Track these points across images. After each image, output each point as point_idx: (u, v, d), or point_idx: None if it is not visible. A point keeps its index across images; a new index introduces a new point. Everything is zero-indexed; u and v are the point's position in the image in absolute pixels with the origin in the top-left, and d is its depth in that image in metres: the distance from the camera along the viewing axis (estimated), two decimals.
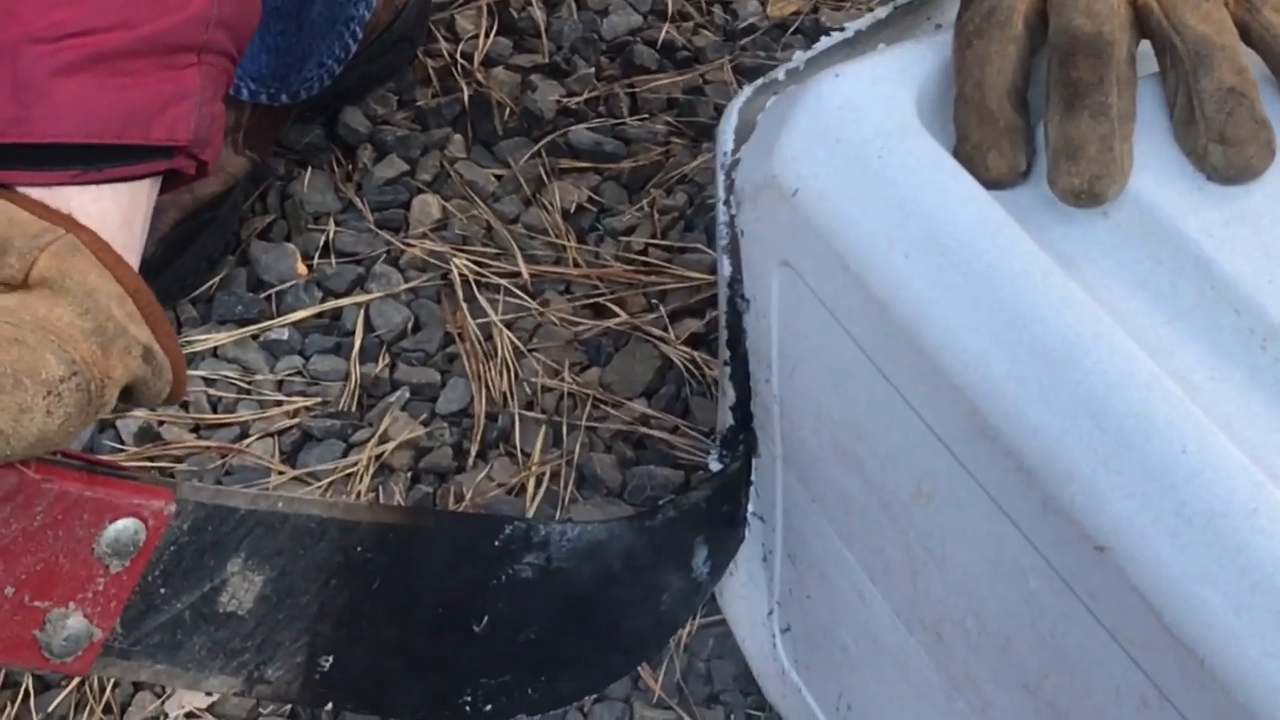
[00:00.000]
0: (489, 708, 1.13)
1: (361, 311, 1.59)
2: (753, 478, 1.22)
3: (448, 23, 1.77)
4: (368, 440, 1.52)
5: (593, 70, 1.75)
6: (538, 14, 1.78)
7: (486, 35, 1.76)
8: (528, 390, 1.54)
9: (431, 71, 1.73)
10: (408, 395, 1.55)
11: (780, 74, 1.10)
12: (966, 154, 0.96)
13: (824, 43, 1.10)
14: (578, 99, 1.72)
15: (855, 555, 1.12)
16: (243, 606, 1.03)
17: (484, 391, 1.54)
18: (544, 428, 1.52)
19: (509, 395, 1.54)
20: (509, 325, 1.57)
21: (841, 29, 1.10)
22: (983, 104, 0.96)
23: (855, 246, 0.96)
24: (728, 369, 1.19)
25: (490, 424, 1.53)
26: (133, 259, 1.00)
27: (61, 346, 0.92)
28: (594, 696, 1.39)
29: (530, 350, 1.56)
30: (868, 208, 0.96)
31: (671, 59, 1.76)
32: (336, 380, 1.56)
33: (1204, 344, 0.91)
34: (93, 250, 0.96)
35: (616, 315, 1.58)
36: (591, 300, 1.60)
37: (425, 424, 1.53)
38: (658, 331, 1.57)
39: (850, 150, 0.97)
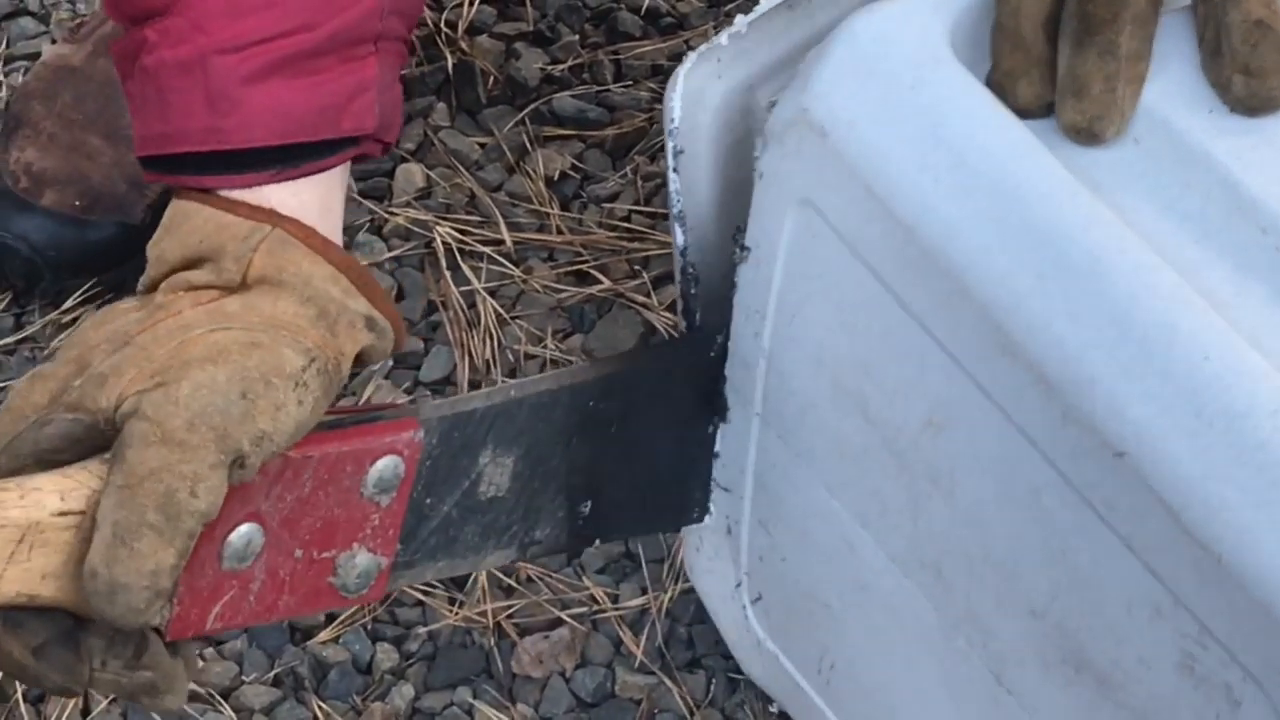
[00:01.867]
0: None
1: None
2: (717, 448, 1.25)
3: None
4: None
5: (577, 38, 1.76)
6: None
7: (471, 3, 1.77)
8: (511, 358, 1.55)
9: (416, 40, 1.74)
10: (391, 363, 1.56)
11: (723, 39, 1.12)
12: (998, 81, 0.99)
13: (764, 5, 1.12)
14: (562, 66, 1.73)
15: (845, 504, 1.14)
16: (501, 488, 1.11)
17: (467, 359, 1.55)
18: None
19: (492, 363, 1.55)
20: (492, 293, 1.59)
21: None
22: (1017, 32, 0.98)
23: (884, 173, 0.99)
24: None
25: (474, 392, 1.54)
26: (335, 240, 1.03)
27: (295, 338, 0.95)
28: (576, 663, 1.41)
29: (513, 318, 1.58)
30: (899, 135, 0.98)
31: (656, 25, 1.77)
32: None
33: (1230, 262, 0.94)
34: (301, 238, 0.99)
35: (600, 282, 1.59)
36: (575, 267, 1.61)
37: (408, 392, 1.54)
38: (641, 298, 1.58)
39: (883, 81, 1.00)
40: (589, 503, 1.17)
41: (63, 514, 0.92)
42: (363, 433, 1.02)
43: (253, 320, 0.96)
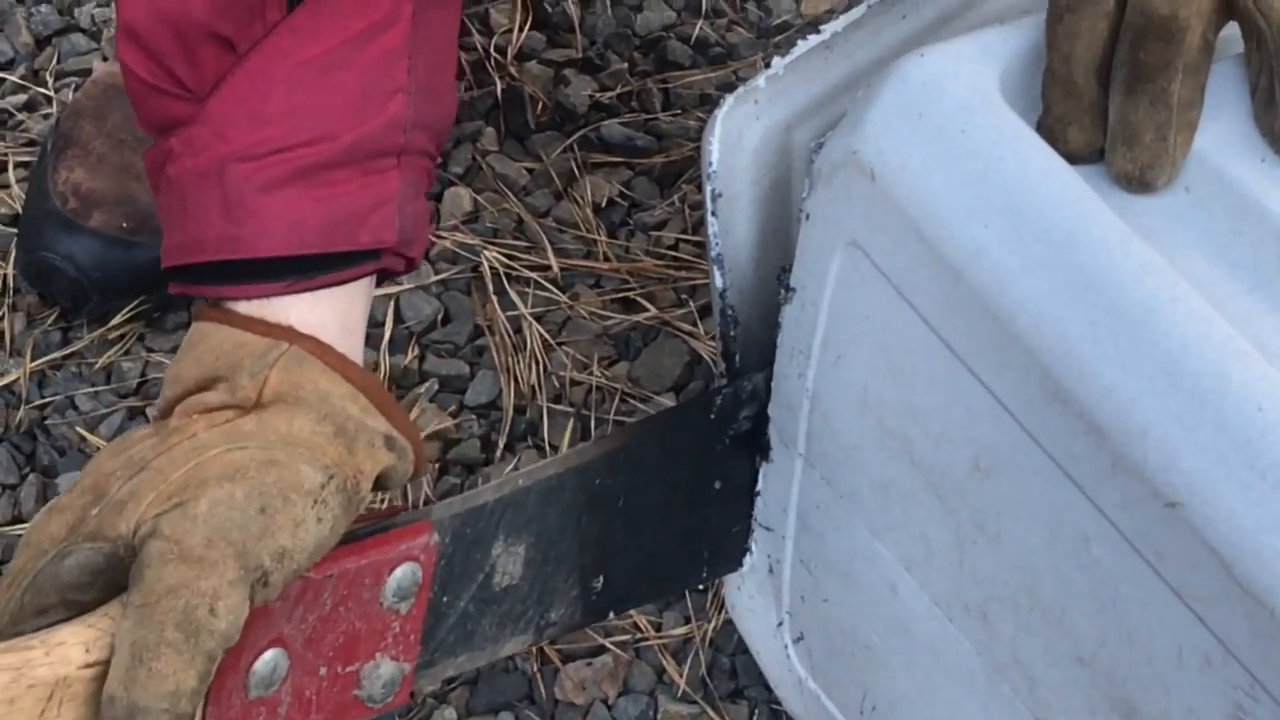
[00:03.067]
0: (744, 547, 1.27)
1: (392, 302, 1.60)
2: (759, 487, 1.24)
3: (482, 16, 1.78)
4: None
5: (626, 65, 1.76)
6: (572, 9, 1.79)
7: (520, 29, 1.77)
8: (556, 384, 1.55)
9: (465, 64, 1.74)
10: (436, 387, 1.56)
11: (760, 81, 1.12)
12: (1049, 127, 0.98)
13: (801, 47, 1.12)
14: (610, 94, 1.73)
15: (889, 547, 1.13)
16: (514, 577, 1.11)
17: (513, 384, 1.55)
18: (572, 421, 1.53)
19: (537, 388, 1.55)
20: (538, 318, 1.59)
21: (819, 32, 1.12)
22: (1069, 78, 0.97)
23: (934, 217, 0.98)
24: (723, 381, 1.21)
25: (518, 417, 1.54)
26: (356, 358, 1.03)
27: (313, 455, 0.95)
28: (618, 691, 1.40)
29: (559, 344, 1.58)
30: (949, 179, 0.98)
31: (705, 55, 1.78)
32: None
33: None
34: (318, 356, 0.99)
35: (646, 310, 1.59)
36: (621, 294, 1.61)
37: (454, 415, 1.54)
38: (687, 327, 1.58)
39: (933, 125, 0.99)
40: (601, 578, 1.17)
41: (89, 665, 0.91)
42: (378, 544, 1.01)
43: (269, 439, 0.95)
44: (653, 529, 1.20)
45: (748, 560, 1.27)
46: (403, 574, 1.02)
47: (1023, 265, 0.94)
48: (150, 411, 1.01)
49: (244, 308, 1.01)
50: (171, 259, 1.03)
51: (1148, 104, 0.95)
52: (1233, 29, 0.98)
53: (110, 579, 0.93)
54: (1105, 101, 0.97)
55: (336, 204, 1.01)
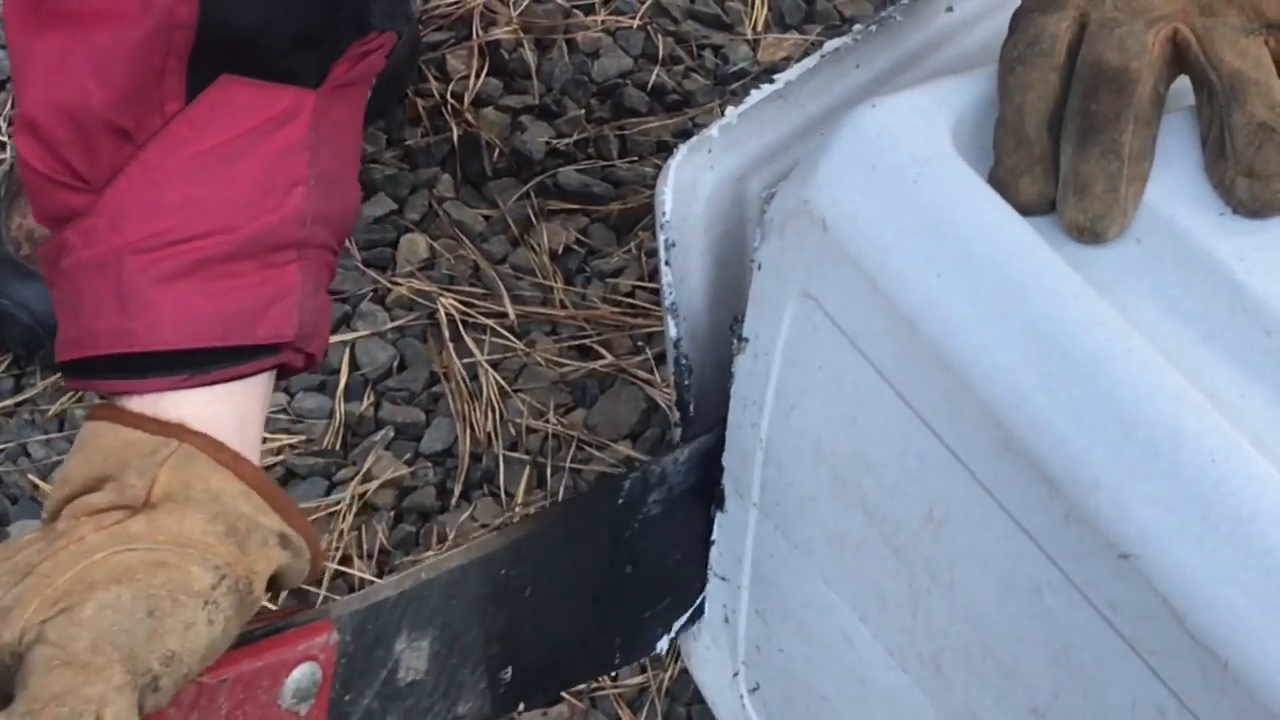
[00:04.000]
0: (659, 630, 1.25)
1: (347, 349, 1.60)
2: (714, 537, 1.23)
3: (439, 62, 1.79)
4: (351, 479, 1.53)
5: (583, 112, 1.76)
6: (529, 55, 1.80)
7: (477, 75, 1.77)
8: (512, 431, 1.55)
9: (421, 110, 1.75)
10: (392, 434, 1.56)
11: (714, 130, 1.11)
12: (1000, 178, 0.98)
13: (754, 96, 1.12)
14: (567, 140, 1.74)
15: (843, 597, 1.13)
16: (419, 671, 1.09)
17: (469, 432, 1.55)
18: (528, 469, 1.53)
19: (494, 436, 1.55)
20: (495, 365, 1.59)
21: (772, 81, 1.12)
22: (1020, 129, 0.97)
23: (887, 268, 0.98)
24: (679, 429, 1.21)
25: (474, 464, 1.54)
26: (251, 457, 1.01)
27: (203, 556, 0.94)
28: None
29: (516, 391, 1.57)
30: (902, 230, 0.97)
31: (661, 102, 1.78)
32: (321, 418, 1.57)
33: (1235, 364, 0.93)
34: (210, 454, 0.97)
35: (603, 357, 1.59)
36: (578, 342, 1.61)
37: (409, 463, 1.54)
38: (644, 374, 1.58)
39: (886, 175, 0.99)
40: (510, 669, 1.15)
41: None
42: (275, 644, 1.00)
43: (158, 539, 0.93)
44: (562, 618, 1.18)
45: (663, 642, 1.26)
46: (301, 674, 1.00)
47: (975, 316, 0.94)
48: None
49: (136, 404, 0.99)
50: (66, 353, 1.01)
51: (1099, 155, 0.95)
52: (1184, 81, 0.98)
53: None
54: (1057, 153, 0.97)
55: (233, 297, 0.99)
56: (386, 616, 1.06)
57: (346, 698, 1.05)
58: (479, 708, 1.14)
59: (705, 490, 1.21)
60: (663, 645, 1.26)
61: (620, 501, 1.17)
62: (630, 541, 1.19)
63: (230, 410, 1.00)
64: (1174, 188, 0.97)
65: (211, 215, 0.98)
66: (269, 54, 0.99)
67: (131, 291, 0.97)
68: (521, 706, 1.20)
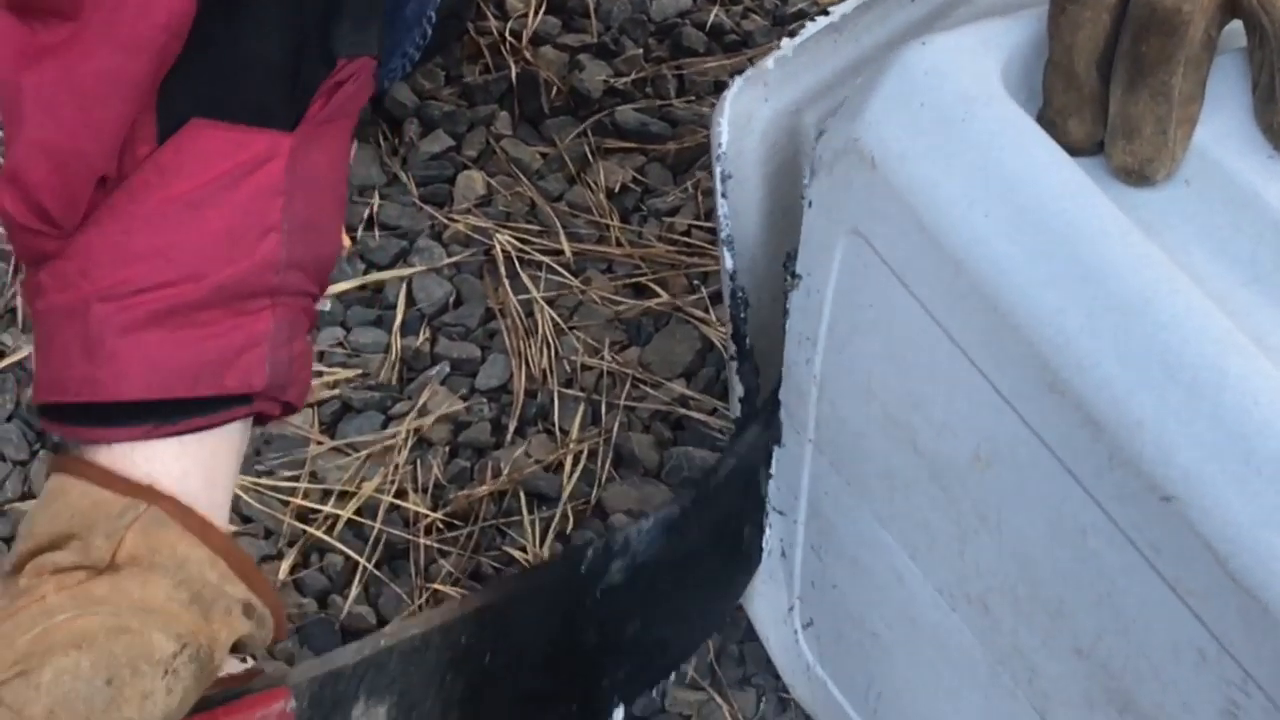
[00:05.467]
0: (616, 698, 1.24)
1: (404, 285, 1.61)
2: (772, 471, 1.24)
3: (498, 0, 1.78)
4: (407, 413, 1.53)
5: (641, 51, 1.76)
6: None
7: (535, 13, 1.77)
8: (567, 368, 1.56)
9: (481, 48, 1.75)
10: (448, 369, 1.57)
11: (769, 63, 1.11)
12: (1050, 118, 0.98)
13: (810, 29, 1.12)
14: (625, 79, 1.74)
15: (894, 535, 1.13)
16: None
17: (524, 368, 1.55)
18: (583, 405, 1.53)
19: (548, 372, 1.55)
20: (550, 303, 1.59)
21: (825, 13, 1.12)
22: (1070, 69, 0.97)
23: (934, 207, 0.98)
24: (734, 364, 1.21)
25: (529, 400, 1.54)
26: (220, 516, 1.00)
27: (165, 623, 0.93)
28: None
29: (571, 328, 1.58)
30: (949, 169, 0.97)
31: (720, 42, 1.78)
32: (377, 353, 1.57)
33: None
34: (178, 518, 0.97)
35: (658, 295, 1.60)
36: (633, 280, 1.61)
37: (464, 399, 1.54)
38: (699, 313, 1.58)
39: (934, 114, 0.99)
40: None
41: None
42: (231, 712, 0.99)
43: (121, 604, 0.93)
44: (519, 686, 1.17)
45: (619, 712, 1.26)
46: None
47: (1022, 256, 0.94)
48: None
49: (105, 457, 0.98)
50: (38, 395, 1.01)
51: (1148, 97, 0.95)
52: (1236, 25, 0.98)
53: None
54: (1106, 94, 0.97)
55: (202, 346, 0.98)
56: (344, 683, 1.05)
57: None
58: None
59: (668, 559, 1.21)
60: (618, 716, 1.26)
61: (582, 571, 1.17)
62: (591, 611, 1.19)
63: (199, 465, 0.99)
64: (1224, 130, 0.97)
65: (180, 263, 0.96)
66: (242, 95, 0.97)
67: (98, 340, 0.96)
68: None
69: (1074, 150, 0.97)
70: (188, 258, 0.97)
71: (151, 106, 0.96)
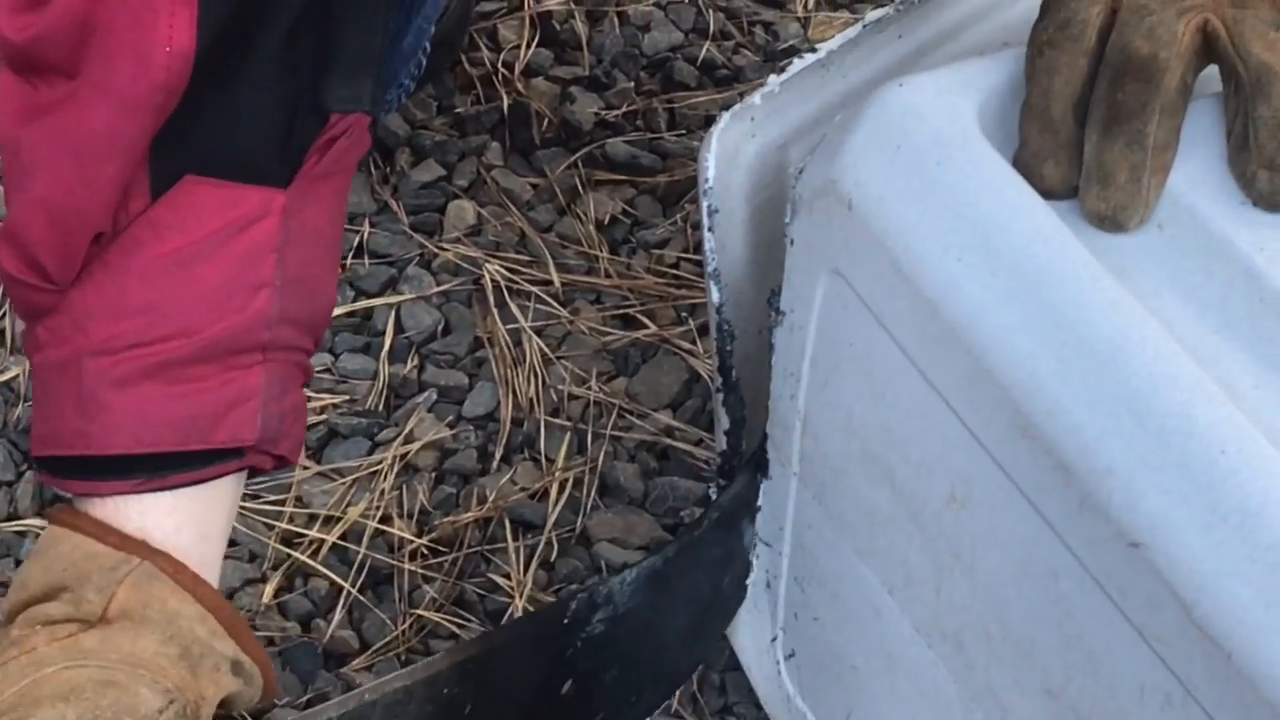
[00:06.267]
0: None
1: (392, 312, 1.61)
2: (759, 502, 1.24)
3: (490, 31, 1.79)
4: (393, 439, 1.53)
5: (632, 84, 1.77)
6: (580, 27, 1.80)
7: (528, 45, 1.78)
8: (554, 397, 1.56)
9: (473, 78, 1.75)
10: (435, 397, 1.57)
11: (756, 99, 1.12)
12: (1024, 161, 0.98)
13: (797, 65, 1.12)
14: (616, 112, 1.74)
15: (873, 570, 1.14)
16: None
17: (511, 396, 1.56)
18: (569, 435, 1.54)
19: (535, 401, 1.55)
20: (538, 332, 1.59)
21: (814, 49, 1.12)
22: (1046, 113, 0.98)
23: (910, 250, 0.98)
24: (720, 396, 1.22)
25: (516, 429, 1.55)
26: (212, 571, 1.01)
27: (154, 678, 0.94)
28: None
29: (558, 358, 1.58)
30: (924, 212, 0.98)
31: (711, 77, 1.78)
32: (365, 379, 1.58)
33: (1251, 354, 0.93)
34: (170, 574, 0.97)
35: (646, 327, 1.60)
36: (621, 311, 1.61)
37: (451, 426, 1.55)
38: (686, 344, 1.59)
39: (910, 157, 0.99)
40: None
41: None
42: None
43: (110, 657, 0.93)
44: None
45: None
46: None
47: (995, 300, 0.94)
48: None
49: (98, 510, 0.99)
50: (36, 449, 1.01)
51: (1123, 144, 0.95)
52: (1212, 68, 0.99)
53: None
54: (1081, 138, 0.97)
55: (193, 400, 0.98)
56: None
57: None
58: None
59: (650, 609, 1.22)
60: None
61: (566, 621, 1.18)
62: (572, 660, 1.19)
63: (192, 520, 1.00)
64: (1197, 176, 0.97)
65: (172, 318, 0.97)
66: (235, 151, 0.98)
67: (89, 394, 0.97)
68: None
69: (1049, 195, 0.98)
70: (180, 313, 0.97)
71: (144, 163, 0.96)
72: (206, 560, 1.00)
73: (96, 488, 0.99)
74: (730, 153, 1.12)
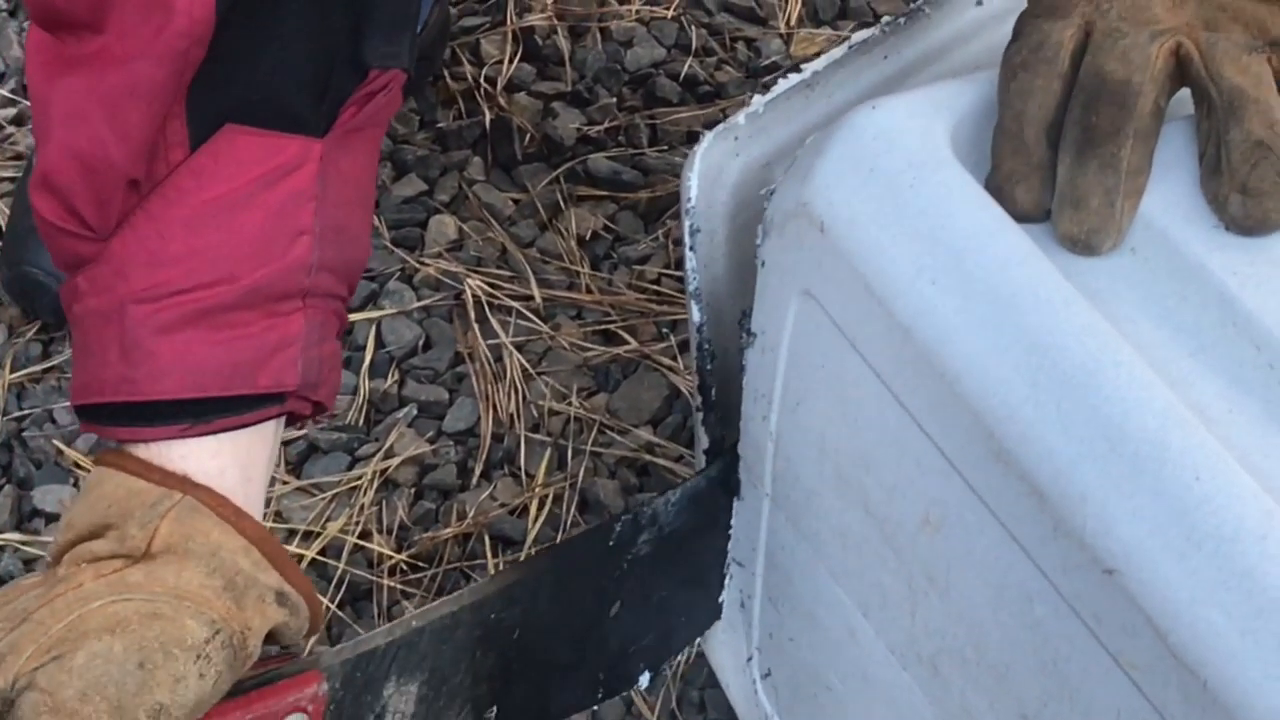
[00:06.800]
0: (642, 665, 1.26)
1: (373, 327, 1.61)
2: (732, 523, 1.24)
3: (473, 47, 1.79)
4: (373, 455, 1.53)
5: (614, 100, 1.77)
6: (562, 42, 1.80)
7: (510, 61, 1.78)
8: (535, 413, 1.56)
9: (455, 93, 1.75)
10: (415, 412, 1.57)
11: (740, 118, 1.11)
12: (997, 185, 0.98)
13: (781, 85, 1.12)
14: (598, 128, 1.74)
15: (848, 591, 1.13)
16: (406, 715, 1.10)
17: (491, 412, 1.55)
18: (549, 450, 1.54)
19: (516, 417, 1.55)
20: (519, 348, 1.59)
21: (797, 68, 1.12)
22: (1019, 136, 0.97)
23: (882, 273, 0.98)
24: (700, 414, 1.21)
25: (496, 444, 1.55)
26: (255, 509, 1.02)
27: (199, 610, 0.94)
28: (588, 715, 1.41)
29: (539, 373, 1.58)
30: (897, 235, 0.97)
31: (693, 93, 1.78)
32: (345, 394, 1.58)
33: (1224, 378, 0.93)
34: (212, 507, 0.98)
35: (627, 343, 1.60)
36: (603, 327, 1.61)
37: (431, 441, 1.55)
38: (667, 361, 1.58)
39: (883, 180, 0.99)
40: (495, 709, 1.17)
41: None
42: (264, 696, 1.00)
43: (155, 590, 0.94)
44: (547, 657, 1.20)
45: (644, 677, 1.28)
46: None
47: (967, 325, 0.94)
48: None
49: (141, 452, 1.00)
50: (77, 397, 1.02)
51: (1097, 168, 0.95)
52: (1185, 91, 0.98)
53: None
54: (1054, 161, 0.97)
55: (235, 347, 0.99)
56: (376, 664, 1.07)
57: None
58: None
59: (695, 531, 1.23)
60: (643, 681, 1.27)
61: (611, 544, 1.19)
62: (619, 581, 1.20)
63: (235, 462, 1.01)
64: (1170, 199, 0.97)
65: (215, 265, 0.98)
66: (272, 102, 0.99)
67: (134, 341, 0.98)
68: None
69: (1021, 217, 0.97)
70: (222, 260, 0.99)
71: (181, 114, 0.97)
72: (250, 500, 1.01)
73: (141, 433, 1.00)
74: (713, 172, 1.12)
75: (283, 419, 1.05)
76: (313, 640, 1.35)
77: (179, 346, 0.98)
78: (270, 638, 1.00)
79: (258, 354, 1.00)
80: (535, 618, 1.16)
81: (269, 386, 1.01)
